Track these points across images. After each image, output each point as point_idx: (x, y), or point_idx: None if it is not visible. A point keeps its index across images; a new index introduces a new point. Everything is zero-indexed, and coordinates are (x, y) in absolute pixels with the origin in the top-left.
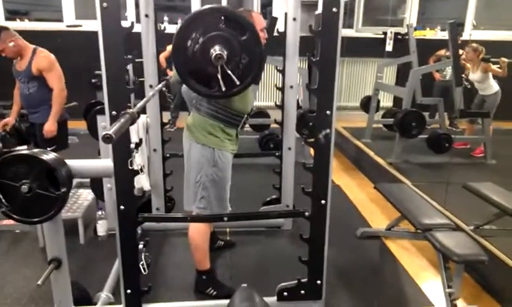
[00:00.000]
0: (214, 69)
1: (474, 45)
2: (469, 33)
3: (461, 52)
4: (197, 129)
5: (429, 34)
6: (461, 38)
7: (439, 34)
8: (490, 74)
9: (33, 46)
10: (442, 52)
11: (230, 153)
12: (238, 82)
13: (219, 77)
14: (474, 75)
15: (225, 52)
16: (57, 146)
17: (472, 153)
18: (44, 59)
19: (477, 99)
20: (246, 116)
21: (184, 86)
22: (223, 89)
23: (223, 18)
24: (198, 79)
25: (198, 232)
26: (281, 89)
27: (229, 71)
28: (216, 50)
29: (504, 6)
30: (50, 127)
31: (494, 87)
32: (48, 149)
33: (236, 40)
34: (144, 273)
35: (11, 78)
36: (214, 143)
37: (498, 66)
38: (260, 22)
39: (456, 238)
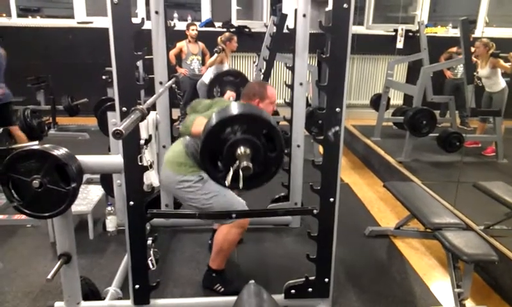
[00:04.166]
0: (230, 161)
1: (485, 40)
2: (481, 30)
3: (473, 49)
4: (179, 163)
5: (441, 31)
6: (473, 35)
7: (450, 31)
8: (499, 70)
9: None
10: (454, 49)
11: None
12: (241, 187)
13: (231, 172)
14: (483, 71)
15: (251, 164)
16: None
17: (483, 152)
18: None
19: (485, 97)
20: None
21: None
22: (227, 183)
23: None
24: (210, 156)
25: (226, 238)
26: (291, 86)
27: (241, 176)
28: (244, 155)
29: None
30: None
31: (501, 83)
32: None
33: (265, 154)
34: (152, 269)
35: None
36: (195, 171)
37: (510, 64)
38: (272, 98)
39: (465, 238)
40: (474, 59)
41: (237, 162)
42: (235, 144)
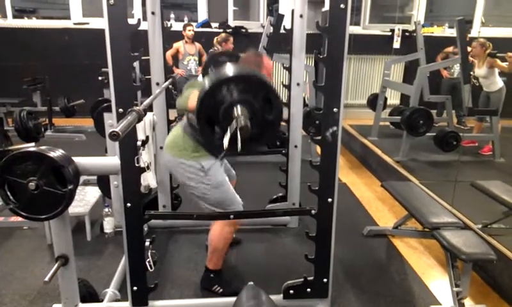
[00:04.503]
0: (227, 124)
1: (481, 40)
2: (477, 30)
3: (469, 49)
4: (180, 147)
5: (437, 31)
6: (469, 35)
7: (447, 31)
8: (496, 70)
9: None
10: (450, 49)
11: (214, 159)
12: (239, 149)
13: (228, 133)
14: (480, 71)
15: (248, 124)
16: None
17: (480, 151)
18: None
19: (482, 96)
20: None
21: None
22: (225, 144)
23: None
24: (208, 121)
25: (220, 236)
26: (288, 87)
27: (239, 137)
28: (241, 116)
29: None
30: None
31: (499, 83)
32: None
33: (262, 115)
34: (150, 270)
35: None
36: (196, 156)
37: (507, 63)
38: (269, 67)
39: (463, 237)
40: (471, 58)
41: (235, 122)
42: (231, 104)
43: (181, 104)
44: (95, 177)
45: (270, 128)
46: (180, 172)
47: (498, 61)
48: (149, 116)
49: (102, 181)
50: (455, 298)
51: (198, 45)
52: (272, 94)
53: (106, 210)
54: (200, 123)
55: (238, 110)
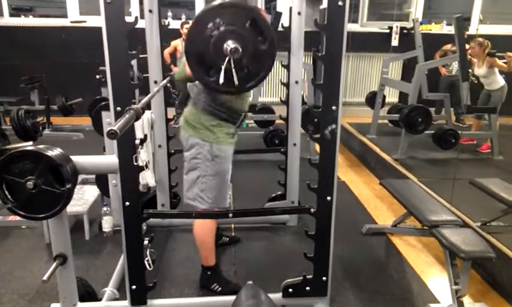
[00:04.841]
0: (220, 60)
1: (480, 39)
2: (475, 27)
3: (467, 46)
4: (193, 124)
5: (435, 28)
6: (468, 33)
7: (445, 28)
8: (496, 69)
9: None
10: (448, 46)
11: (229, 145)
12: (236, 83)
13: (222, 68)
14: (479, 70)
15: (240, 51)
16: None
17: (479, 148)
18: None
19: (483, 94)
20: (243, 114)
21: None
22: (221, 82)
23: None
24: (200, 62)
25: (203, 228)
26: (286, 85)
27: (233, 71)
28: (230, 44)
29: (510, 0)
30: None
31: (500, 82)
32: None
33: (254, 46)
34: (149, 269)
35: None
36: (211, 138)
37: (505, 61)
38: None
39: (462, 235)
40: (469, 56)
41: (227, 57)
42: (221, 38)
43: (179, 74)
44: (94, 176)
45: (265, 58)
46: (189, 145)
47: (498, 61)
48: (147, 115)
49: (101, 180)
50: (454, 296)
51: None
52: (261, 21)
53: (105, 208)
54: (190, 65)
55: (228, 42)
